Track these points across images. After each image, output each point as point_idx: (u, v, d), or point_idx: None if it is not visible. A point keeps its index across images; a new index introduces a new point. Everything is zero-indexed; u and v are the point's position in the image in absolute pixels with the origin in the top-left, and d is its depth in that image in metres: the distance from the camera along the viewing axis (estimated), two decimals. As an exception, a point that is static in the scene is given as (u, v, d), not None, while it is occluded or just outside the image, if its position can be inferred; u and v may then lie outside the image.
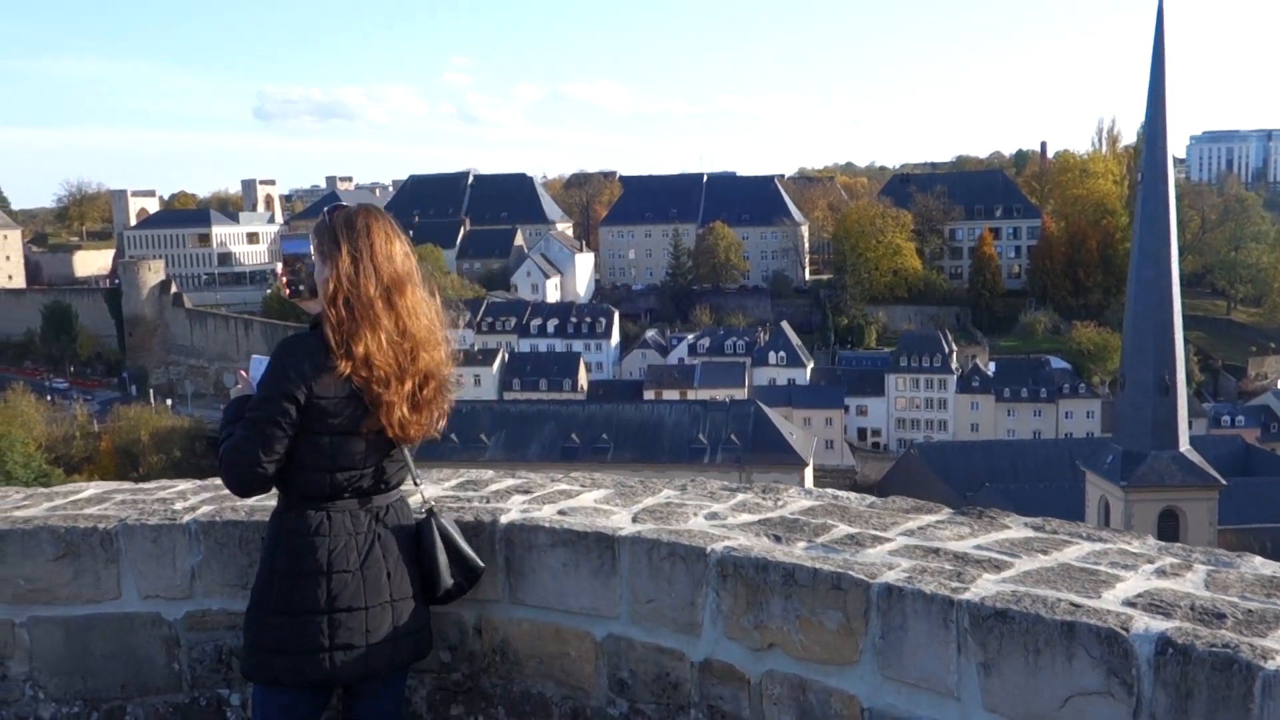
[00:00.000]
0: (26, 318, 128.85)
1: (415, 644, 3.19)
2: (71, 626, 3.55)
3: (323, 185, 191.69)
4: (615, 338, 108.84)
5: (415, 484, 3.26)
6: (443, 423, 3.22)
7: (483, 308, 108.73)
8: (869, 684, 2.74)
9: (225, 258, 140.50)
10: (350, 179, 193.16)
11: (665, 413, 78.66)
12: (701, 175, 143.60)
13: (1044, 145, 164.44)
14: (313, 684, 3.05)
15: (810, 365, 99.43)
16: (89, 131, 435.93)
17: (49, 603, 3.56)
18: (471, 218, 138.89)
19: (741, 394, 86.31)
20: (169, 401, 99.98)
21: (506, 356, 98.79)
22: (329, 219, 3.13)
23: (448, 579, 3.18)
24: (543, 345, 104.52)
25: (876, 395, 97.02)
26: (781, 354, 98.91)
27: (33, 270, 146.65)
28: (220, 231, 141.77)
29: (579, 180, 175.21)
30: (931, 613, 2.60)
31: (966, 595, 2.57)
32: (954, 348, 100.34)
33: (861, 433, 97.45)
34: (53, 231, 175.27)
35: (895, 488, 73.10)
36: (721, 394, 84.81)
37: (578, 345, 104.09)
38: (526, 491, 3.75)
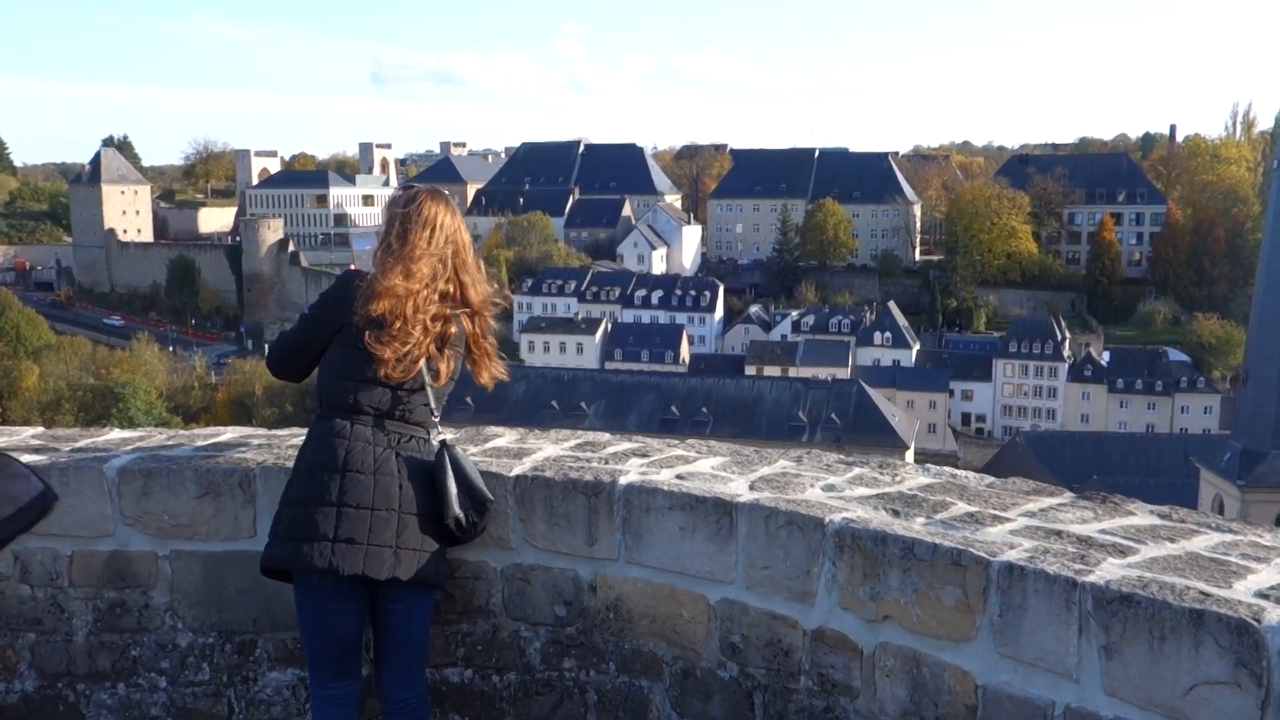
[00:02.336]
0: (153, 271, 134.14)
1: (422, 564, 3.34)
2: (210, 561, 3.74)
3: (436, 150, 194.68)
4: (719, 311, 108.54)
5: (434, 418, 3.46)
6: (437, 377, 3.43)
7: (588, 277, 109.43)
8: (984, 660, 2.74)
9: (341, 219, 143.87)
10: (464, 144, 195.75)
11: (766, 389, 78.35)
12: (813, 150, 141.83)
13: (1173, 128, 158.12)
14: (316, 573, 3.23)
15: (916, 347, 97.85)
16: (216, 92, 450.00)
17: (190, 538, 3.75)
18: (581, 187, 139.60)
19: (844, 373, 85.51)
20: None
21: (610, 326, 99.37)
22: (396, 197, 3.55)
23: (455, 506, 3.35)
24: (646, 316, 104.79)
25: (983, 380, 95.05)
26: (887, 334, 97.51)
27: (160, 225, 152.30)
28: (337, 193, 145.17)
29: (689, 152, 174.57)
30: (1053, 593, 2.58)
31: (1091, 578, 2.55)
32: (1067, 335, 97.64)
33: (965, 418, 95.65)
34: (180, 188, 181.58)
35: (998, 475, 71.63)
36: (824, 372, 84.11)
37: (681, 318, 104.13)
38: (644, 455, 3.81)
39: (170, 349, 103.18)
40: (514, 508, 3.59)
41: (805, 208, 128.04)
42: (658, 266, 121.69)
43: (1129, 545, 2.78)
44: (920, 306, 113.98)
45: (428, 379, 3.39)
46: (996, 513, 3.10)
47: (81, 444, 4.10)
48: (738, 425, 73.79)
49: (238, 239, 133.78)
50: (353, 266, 4.14)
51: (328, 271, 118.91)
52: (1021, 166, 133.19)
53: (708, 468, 3.65)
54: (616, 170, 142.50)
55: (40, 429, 4.46)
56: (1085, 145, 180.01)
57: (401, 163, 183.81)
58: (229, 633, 3.79)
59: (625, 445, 3.99)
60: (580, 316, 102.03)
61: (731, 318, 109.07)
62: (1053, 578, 2.59)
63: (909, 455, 72.10)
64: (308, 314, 3.48)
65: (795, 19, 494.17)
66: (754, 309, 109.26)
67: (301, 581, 3.32)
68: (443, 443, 3.43)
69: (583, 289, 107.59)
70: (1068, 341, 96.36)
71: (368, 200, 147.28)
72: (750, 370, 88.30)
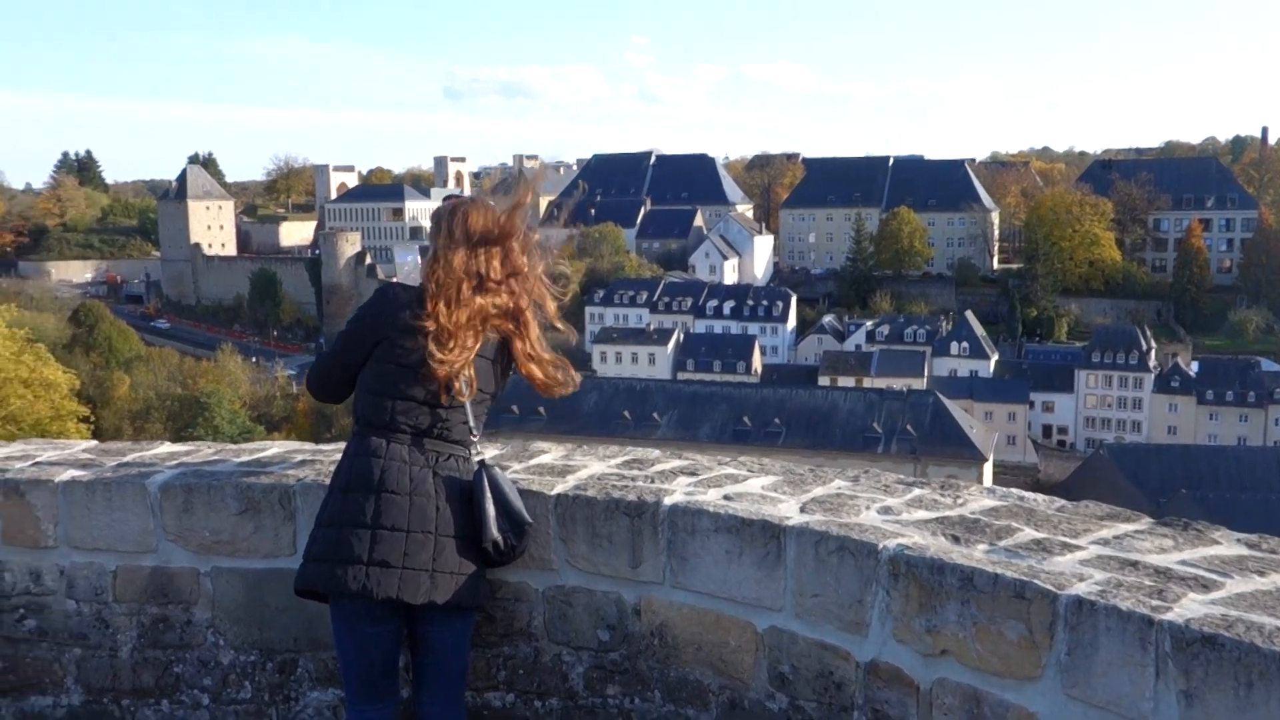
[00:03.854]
0: (236, 283, 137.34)
1: (459, 587, 3.22)
2: (250, 578, 3.67)
3: (509, 163, 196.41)
4: (791, 322, 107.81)
5: (472, 437, 3.34)
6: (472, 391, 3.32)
7: (660, 287, 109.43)
8: (1050, 701, 2.54)
9: (416, 231, 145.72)
10: (535, 157, 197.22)
11: (840, 399, 77.47)
12: (887, 158, 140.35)
13: (1265, 131, 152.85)
14: (349, 596, 3.14)
15: (994, 357, 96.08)
16: (296, 110, 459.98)
17: (231, 555, 3.69)
18: (652, 197, 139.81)
19: (920, 384, 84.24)
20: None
21: (682, 337, 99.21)
22: (441, 209, 3.46)
23: (493, 528, 3.24)
24: (718, 327, 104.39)
25: (1065, 391, 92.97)
26: (964, 344, 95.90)
27: (243, 239, 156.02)
28: (412, 206, 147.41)
29: (761, 162, 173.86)
30: (1127, 632, 2.38)
31: (1169, 615, 2.34)
32: (1153, 344, 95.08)
33: (1046, 430, 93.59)
34: (262, 203, 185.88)
35: (1082, 489, 70.02)
36: (899, 383, 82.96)
37: (753, 328, 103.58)
38: (692, 474, 3.66)
39: (253, 359, 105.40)
40: (555, 528, 3.46)
41: (879, 216, 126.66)
42: (730, 277, 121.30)
43: (1212, 579, 2.56)
44: (998, 316, 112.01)
45: (464, 392, 3.29)
46: (1066, 540, 2.89)
47: (129, 458, 4.07)
48: (811, 436, 73.09)
49: (317, 252, 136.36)
50: (395, 280, 4.07)
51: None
52: (1104, 172, 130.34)
53: (758, 487, 3.49)
54: (688, 180, 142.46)
55: (93, 443, 4.46)
56: (1171, 149, 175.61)
57: (475, 175, 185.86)
58: (270, 651, 3.72)
59: (674, 463, 3.84)
60: (652, 327, 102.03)
61: (804, 328, 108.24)
62: (1126, 614, 2.39)
63: (987, 468, 70.74)
64: (344, 331, 3.40)
65: (864, 26, 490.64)
66: (827, 319, 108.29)
67: (336, 603, 3.23)
68: (481, 463, 3.32)
69: (655, 299, 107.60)
70: (1153, 351, 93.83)
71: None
72: (824, 381, 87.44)
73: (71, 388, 44.18)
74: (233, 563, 3.69)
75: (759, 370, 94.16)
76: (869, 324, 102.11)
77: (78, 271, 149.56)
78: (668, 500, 3.34)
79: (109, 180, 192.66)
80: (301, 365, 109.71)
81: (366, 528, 3.16)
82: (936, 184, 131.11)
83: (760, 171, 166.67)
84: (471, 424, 3.33)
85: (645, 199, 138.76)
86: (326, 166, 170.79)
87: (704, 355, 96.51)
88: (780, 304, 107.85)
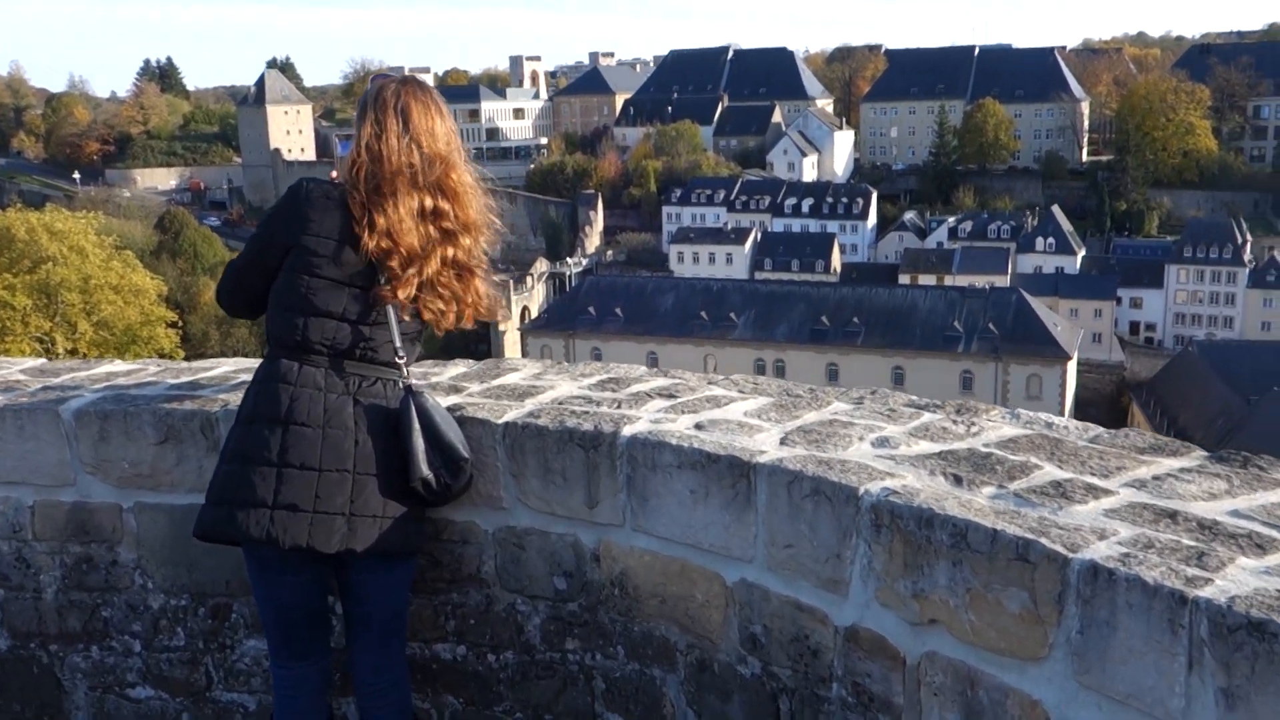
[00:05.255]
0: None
1: (384, 533, 2.80)
2: (176, 515, 3.30)
3: (585, 61, 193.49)
4: (872, 219, 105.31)
5: (397, 359, 2.87)
6: (463, 320, 2.92)
7: (737, 186, 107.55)
8: (1059, 690, 2.03)
9: (493, 133, 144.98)
10: (612, 54, 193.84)
11: (920, 298, 75.77)
12: (973, 48, 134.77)
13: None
14: (255, 543, 2.76)
15: (1081, 253, 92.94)
16: (372, 10, 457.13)
17: (154, 489, 3.31)
18: (730, 94, 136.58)
19: (1003, 281, 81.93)
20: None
21: (759, 236, 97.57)
22: (369, 89, 2.91)
23: (422, 465, 2.79)
24: (796, 225, 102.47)
25: (1154, 287, 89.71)
26: (1050, 240, 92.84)
27: (322, 143, 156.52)
28: (489, 107, 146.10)
29: (842, 55, 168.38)
30: (1153, 610, 1.85)
31: (1207, 591, 1.81)
32: (1248, 238, 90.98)
33: (1134, 327, 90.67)
34: (340, 107, 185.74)
35: (1168, 387, 67.91)
36: (981, 280, 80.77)
37: (832, 226, 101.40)
38: (670, 395, 3.16)
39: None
40: (504, 460, 3.01)
41: (964, 109, 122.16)
42: (808, 174, 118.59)
43: (1271, 537, 2.01)
44: (1087, 210, 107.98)
45: (390, 312, 2.82)
46: (1094, 481, 2.35)
47: (60, 379, 3.70)
48: (890, 335, 71.91)
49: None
50: (334, 175, 3.56)
51: (479, 185, 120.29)
52: (1202, 57, 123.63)
53: (740, 413, 2.98)
54: (766, 76, 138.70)
55: (42, 360, 4.11)
56: (1275, 32, 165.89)
57: (551, 74, 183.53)
58: (201, 595, 3.36)
59: (654, 383, 3.34)
60: (729, 226, 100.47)
61: (885, 225, 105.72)
62: (1152, 589, 1.86)
63: (1071, 366, 68.97)
64: (254, 234, 2.93)
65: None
66: (908, 216, 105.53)
67: (246, 550, 2.84)
68: (407, 388, 2.86)
69: (732, 198, 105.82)
70: (1249, 245, 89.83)
71: (518, 114, 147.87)
72: (904, 279, 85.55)
73: (159, 293, 44.93)
74: (156, 497, 3.32)
75: (838, 269, 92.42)
76: (951, 220, 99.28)
77: (162, 179, 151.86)
78: (627, 430, 2.86)
79: (190, 87, 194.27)
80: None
81: (272, 465, 2.74)
82: (1024, 74, 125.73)
83: (841, 65, 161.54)
84: (397, 342, 2.86)
85: (723, 95, 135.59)
86: (402, 68, 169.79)
87: (782, 254, 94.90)
88: (860, 201, 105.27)
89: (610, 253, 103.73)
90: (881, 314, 74.35)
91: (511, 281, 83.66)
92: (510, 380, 3.43)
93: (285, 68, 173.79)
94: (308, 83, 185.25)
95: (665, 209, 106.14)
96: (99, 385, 3.54)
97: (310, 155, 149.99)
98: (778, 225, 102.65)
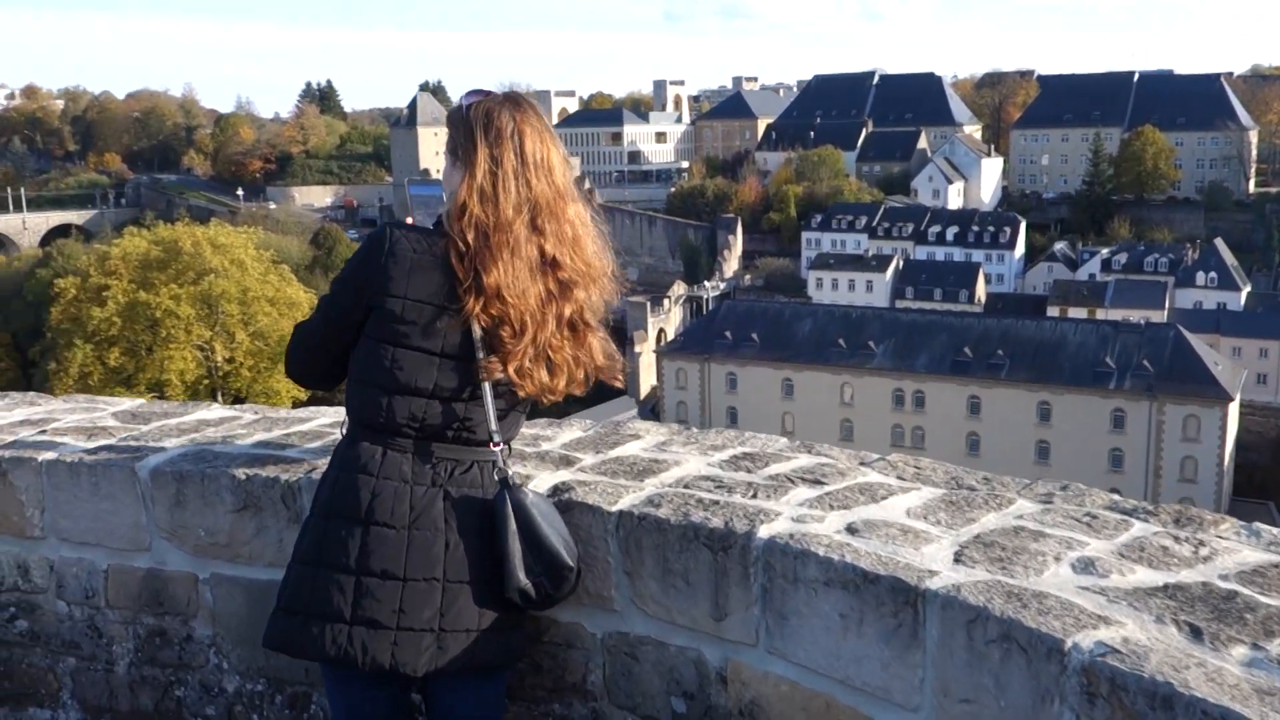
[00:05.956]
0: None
1: (477, 648, 2.37)
2: (254, 591, 2.96)
3: (729, 85, 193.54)
4: (1019, 249, 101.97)
5: (492, 442, 2.41)
6: (574, 386, 2.46)
7: (880, 212, 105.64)
8: None
9: (634, 155, 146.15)
10: (755, 79, 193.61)
11: (1070, 331, 72.73)
12: (1131, 74, 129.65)
13: None
14: (330, 662, 2.35)
15: (1246, 289, 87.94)
16: (520, 34, 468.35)
17: (232, 560, 2.98)
18: (874, 119, 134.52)
19: (1160, 316, 78.18)
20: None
21: (901, 263, 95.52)
22: (466, 113, 2.39)
23: (520, 574, 2.35)
24: (940, 253, 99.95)
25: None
26: (1212, 274, 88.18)
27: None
28: (631, 130, 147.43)
29: (991, 80, 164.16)
30: None
31: None
32: None
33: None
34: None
35: (1343, 435, 63.41)
36: (1136, 315, 77.23)
37: (978, 255, 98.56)
38: (816, 482, 2.67)
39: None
40: (617, 556, 2.56)
41: (1121, 136, 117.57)
42: (954, 201, 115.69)
43: None
44: (1253, 244, 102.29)
45: (482, 376, 2.39)
46: (1386, 646, 1.76)
47: (150, 427, 3.42)
48: (1036, 370, 69.23)
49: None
50: (410, 221, 3.10)
51: (620, 208, 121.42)
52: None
53: (901, 510, 2.47)
54: (912, 101, 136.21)
55: (140, 402, 3.86)
56: None
57: (694, 99, 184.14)
58: (279, 682, 3.01)
59: (798, 461, 2.85)
60: (870, 253, 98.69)
61: (1033, 255, 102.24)
62: None
63: (1233, 408, 65.11)
64: (329, 291, 2.52)
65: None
66: (1059, 246, 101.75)
67: (340, 675, 2.47)
68: (503, 482, 2.41)
69: (874, 224, 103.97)
70: None
71: (660, 137, 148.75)
72: (1052, 311, 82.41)
73: (312, 307, 46.47)
74: (233, 569, 2.98)
75: (982, 299, 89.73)
76: (1105, 252, 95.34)
77: (319, 196, 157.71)
78: (763, 530, 2.37)
79: (347, 109, 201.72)
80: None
81: (350, 573, 2.35)
82: (1187, 101, 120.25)
83: (990, 90, 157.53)
84: (493, 425, 2.42)
85: (866, 121, 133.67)
86: (548, 92, 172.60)
87: (924, 282, 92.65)
88: (1008, 230, 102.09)
89: (748, 277, 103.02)
90: (1028, 347, 71.66)
91: (649, 303, 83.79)
92: (630, 451, 2.99)
93: (436, 90, 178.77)
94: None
95: (805, 234, 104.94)
96: (183, 438, 3.24)
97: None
98: (920, 253, 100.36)
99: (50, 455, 3.14)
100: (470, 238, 2.32)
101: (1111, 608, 1.95)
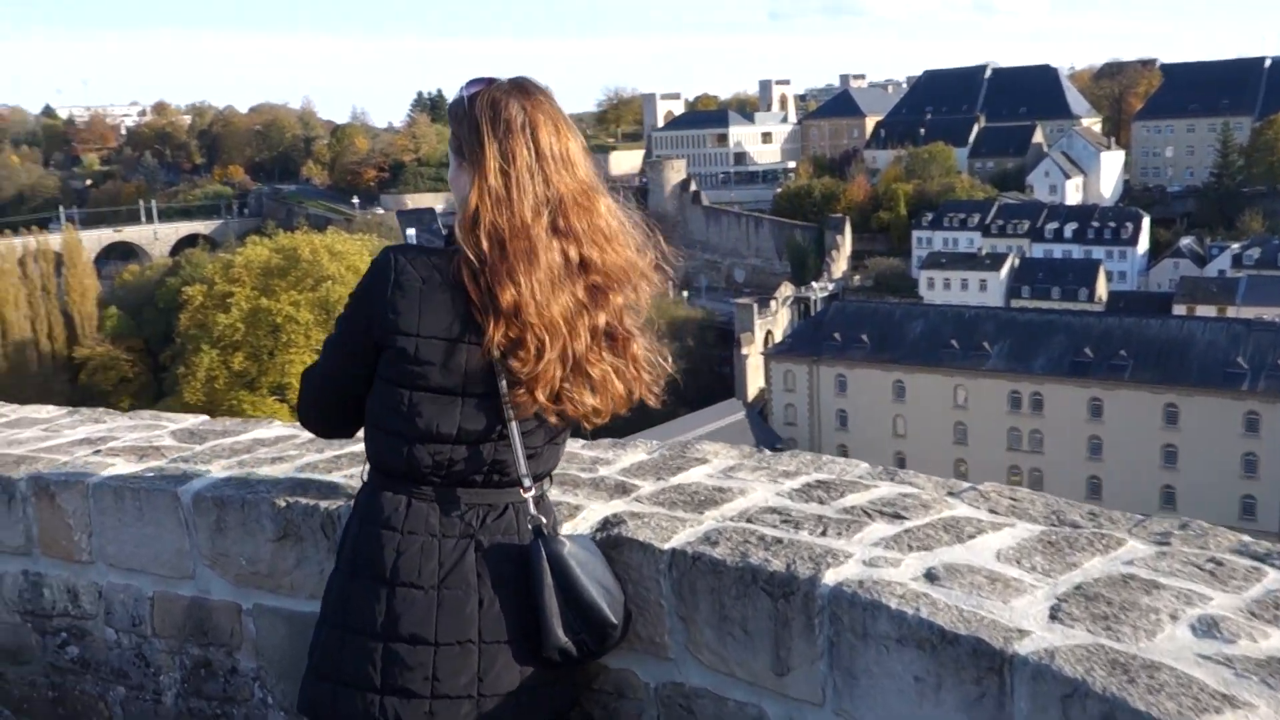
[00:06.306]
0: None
1: (520, 708, 2.14)
2: (296, 623, 2.80)
3: (836, 84, 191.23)
4: (1143, 245, 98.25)
5: (523, 487, 2.16)
6: (619, 404, 2.17)
7: (993, 209, 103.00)
8: None
9: (740, 157, 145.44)
10: (862, 76, 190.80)
11: (1198, 330, 69.76)
12: (1262, 59, 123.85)
13: None
14: None
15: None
16: (625, 38, 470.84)
17: (274, 590, 2.83)
18: (987, 114, 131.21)
19: (1296, 314, 74.44)
20: (685, 293, 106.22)
21: (1017, 262, 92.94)
22: (469, 105, 2.11)
23: (559, 632, 2.11)
24: (1058, 251, 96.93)
25: None
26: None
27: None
28: (736, 131, 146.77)
29: (1111, 70, 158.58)
30: None
31: None
32: None
33: None
34: (593, 134, 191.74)
35: None
36: (1270, 313, 73.61)
37: (1098, 252, 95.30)
38: (895, 516, 2.39)
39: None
40: (670, 598, 2.32)
41: (1251, 125, 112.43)
42: (1072, 197, 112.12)
43: None
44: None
45: (510, 414, 2.14)
46: None
47: (204, 446, 3.31)
48: (1162, 370, 66.57)
49: (645, 180, 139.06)
50: (411, 233, 2.82)
51: (726, 210, 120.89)
52: None
53: (991, 553, 2.18)
54: (1027, 94, 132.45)
55: (203, 419, 3.77)
56: None
57: (801, 98, 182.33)
58: (324, 720, 2.84)
59: (877, 491, 2.57)
60: (984, 251, 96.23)
61: (1158, 251, 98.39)
62: None
63: (1378, 411, 61.58)
64: (333, 332, 2.27)
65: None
66: (1185, 241, 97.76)
67: None
68: (537, 530, 2.17)
69: (987, 222, 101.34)
70: None
71: (766, 138, 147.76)
72: (1179, 309, 79.11)
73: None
74: (276, 600, 2.83)
75: (1103, 298, 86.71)
76: (1235, 246, 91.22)
77: (430, 203, 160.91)
78: (829, 575, 2.11)
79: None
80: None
81: (377, 639, 2.14)
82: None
83: (1110, 81, 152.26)
84: (523, 468, 2.17)
85: (979, 116, 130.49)
86: (653, 95, 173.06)
87: (1041, 281, 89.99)
88: (1130, 225, 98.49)
89: (857, 277, 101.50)
90: (1153, 346, 68.98)
91: (756, 305, 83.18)
92: (693, 478, 2.75)
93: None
94: (566, 110, 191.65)
95: (915, 233, 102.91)
96: (233, 459, 3.12)
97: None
98: (1037, 250, 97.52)
99: (98, 478, 3.05)
100: (485, 248, 2.05)
101: (1239, 684, 1.65)
